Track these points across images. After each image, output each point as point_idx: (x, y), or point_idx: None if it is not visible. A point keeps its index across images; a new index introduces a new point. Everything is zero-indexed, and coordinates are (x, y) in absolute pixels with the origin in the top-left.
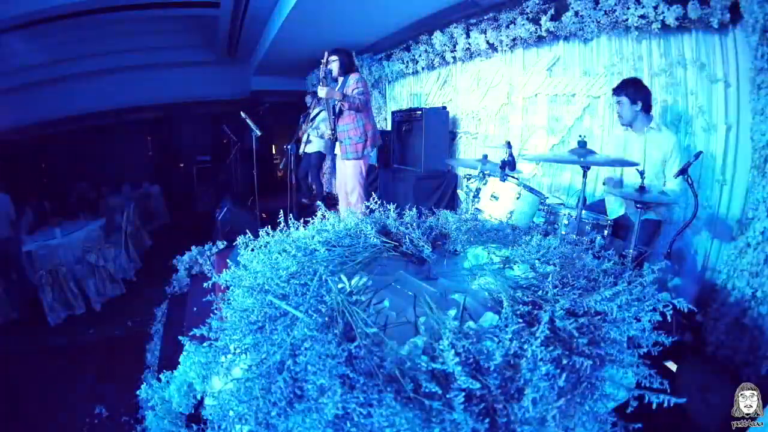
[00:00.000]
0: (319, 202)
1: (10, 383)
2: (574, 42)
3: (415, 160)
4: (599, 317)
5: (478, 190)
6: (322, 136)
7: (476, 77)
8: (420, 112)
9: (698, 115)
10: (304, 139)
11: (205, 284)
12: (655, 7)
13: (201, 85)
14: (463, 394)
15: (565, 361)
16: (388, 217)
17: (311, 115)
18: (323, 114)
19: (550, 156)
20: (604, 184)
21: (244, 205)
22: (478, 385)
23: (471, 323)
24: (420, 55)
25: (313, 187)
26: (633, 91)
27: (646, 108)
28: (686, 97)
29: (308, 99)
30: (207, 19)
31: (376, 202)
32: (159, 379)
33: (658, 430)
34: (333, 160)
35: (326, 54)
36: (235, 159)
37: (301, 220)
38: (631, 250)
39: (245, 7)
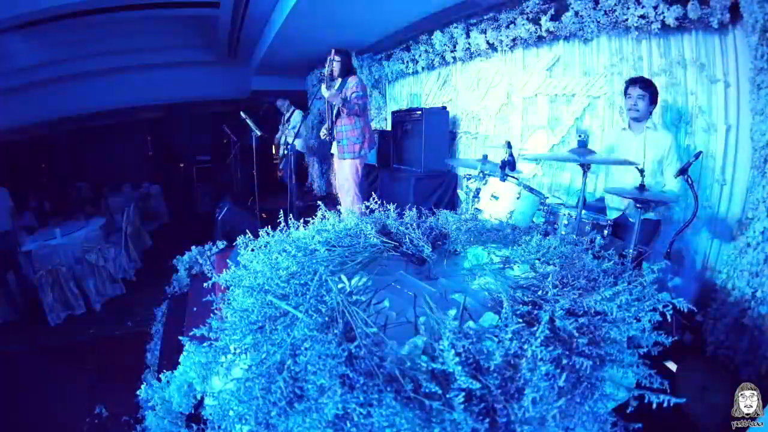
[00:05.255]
0: (319, 202)
1: (10, 383)
2: (574, 42)
3: (415, 160)
4: (599, 317)
5: (478, 190)
6: (299, 136)
7: (476, 77)
8: (420, 112)
9: (698, 115)
10: (282, 141)
11: (205, 284)
12: (655, 7)
13: (201, 85)
14: (463, 394)
15: (565, 361)
16: (388, 217)
17: (286, 117)
18: (297, 115)
19: (550, 155)
20: (605, 191)
21: (244, 205)
22: (478, 385)
23: (471, 323)
24: (420, 55)
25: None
26: (654, 91)
27: (651, 113)
28: (686, 97)
29: (280, 102)
30: (207, 19)
31: (376, 202)
32: (159, 379)
33: (658, 430)
34: (330, 160)
35: (333, 51)
36: (235, 159)
37: (301, 220)
38: (631, 250)
39: (245, 7)
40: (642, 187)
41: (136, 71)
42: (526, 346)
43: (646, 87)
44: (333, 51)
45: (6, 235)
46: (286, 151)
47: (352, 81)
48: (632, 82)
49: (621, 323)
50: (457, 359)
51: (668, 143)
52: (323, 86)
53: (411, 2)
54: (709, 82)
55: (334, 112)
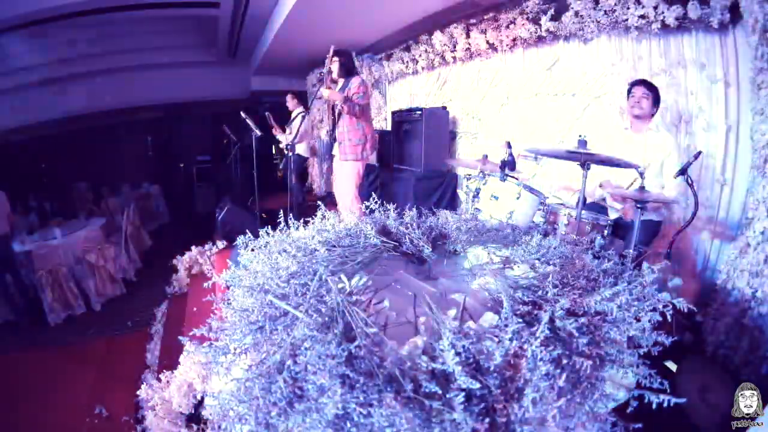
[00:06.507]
0: (319, 202)
1: (10, 383)
2: (574, 42)
3: (415, 160)
4: (599, 317)
5: (478, 190)
6: (302, 138)
7: (476, 77)
8: (420, 112)
9: (698, 115)
10: (284, 141)
11: (205, 284)
12: (655, 7)
13: (201, 85)
14: (463, 394)
15: (565, 361)
16: (388, 217)
17: (293, 116)
18: (299, 117)
19: (551, 150)
20: (600, 186)
21: (244, 205)
22: (478, 385)
23: (471, 323)
24: (420, 55)
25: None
26: (657, 93)
27: (653, 115)
28: (686, 97)
29: (289, 99)
30: (207, 19)
31: (376, 202)
32: (159, 379)
33: (658, 430)
34: (331, 161)
35: (332, 49)
36: (235, 159)
37: (301, 220)
38: (631, 250)
39: (245, 7)
40: (641, 189)
41: (136, 71)
42: (526, 346)
43: (651, 88)
44: (332, 49)
45: (4, 238)
46: (287, 152)
47: (354, 81)
48: (636, 83)
49: (621, 323)
50: (457, 359)
51: (670, 145)
52: (323, 87)
53: (411, 2)
54: (709, 82)
55: (336, 112)
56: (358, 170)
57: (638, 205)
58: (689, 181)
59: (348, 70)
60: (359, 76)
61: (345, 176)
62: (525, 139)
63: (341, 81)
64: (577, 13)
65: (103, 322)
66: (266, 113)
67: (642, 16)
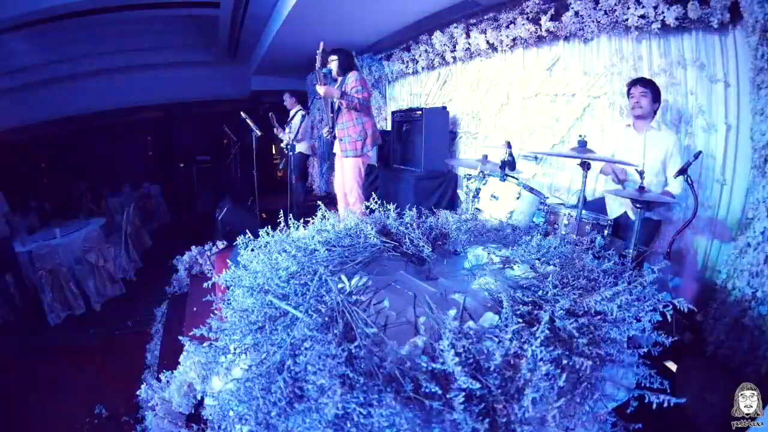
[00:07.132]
0: (319, 202)
1: (11, 383)
2: (574, 42)
3: (415, 160)
4: (599, 317)
5: (478, 190)
6: (303, 138)
7: (476, 77)
8: (420, 112)
9: (698, 115)
10: (286, 140)
11: (205, 284)
12: (655, 7)
13: (201, 85)
14: (463, 394)
15: (565, 361)
16: (388, 217)
17: (290, 115)
18: (299, 116)
19: (551, 150)
20: (601, 171)
21: (244, 205)
22: (478, 385)
23: (471, 323)
24: (420, 55)
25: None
26: (656, 89)
27: (655, 112)
28: (686, 97)
29: (287, 98)
30: (207, 19)
31: (376, 202)
32: (159, 379)
33: (658, 430)
34: (331, 160)
35: (321, 44)
36: (235, 159)
37: (301, 220)
38: (631, 250)
39: (245, 7)
40: (641, 189)
41: (136, 71)
42: (526, 346)
43: (648, 85)
44: (321, 44)
45: (4, 238)
46: (287, 151)
47: (351, 76)
48: (633, 83)
49: (621, 323)
50: (457, 359)
51: (671, 143)
52: (318, 85)
53: (411, 2)
54: (709, 82)
55: (335, 109)
56: (359, 167)
57: (638, 205)
58: (689, 181)
59: (346, 68)
60: (356, 71)
61: (346, 173)
62: (525, 139)
63: (339, 79)
64: (577, 13)
65: (103, 322)
66: (270, 114)
67: (642, 16)
